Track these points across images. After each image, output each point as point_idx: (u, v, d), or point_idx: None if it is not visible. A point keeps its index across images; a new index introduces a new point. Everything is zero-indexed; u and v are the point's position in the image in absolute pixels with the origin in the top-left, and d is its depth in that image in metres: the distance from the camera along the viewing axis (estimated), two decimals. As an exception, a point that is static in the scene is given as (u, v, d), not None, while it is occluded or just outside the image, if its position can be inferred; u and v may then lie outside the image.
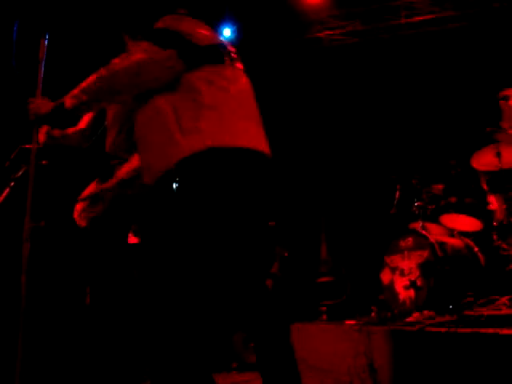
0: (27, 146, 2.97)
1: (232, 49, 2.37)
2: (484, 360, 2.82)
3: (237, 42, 6.52)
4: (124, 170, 2.73)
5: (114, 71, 2.17)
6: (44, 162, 3.07)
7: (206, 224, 2.02)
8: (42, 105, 2.44)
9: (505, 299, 3.57)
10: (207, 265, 2.05)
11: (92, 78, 2.23)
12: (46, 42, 2.90)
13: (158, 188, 2.15)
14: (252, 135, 2.19)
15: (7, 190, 3.23)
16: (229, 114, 2.13)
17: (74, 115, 2.44)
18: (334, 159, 6.49)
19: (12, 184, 3.23)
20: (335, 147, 6.52)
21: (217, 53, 2.24)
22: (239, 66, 2.37)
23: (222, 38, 2.39)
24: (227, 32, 6.55)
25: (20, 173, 3.22)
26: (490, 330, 2.91)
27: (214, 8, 6.06)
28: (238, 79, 2.28)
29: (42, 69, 2.88)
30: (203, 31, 2.27)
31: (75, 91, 2.29)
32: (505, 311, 3.41)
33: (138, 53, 2.16)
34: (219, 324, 2.23)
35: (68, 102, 2.29)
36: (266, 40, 6.51)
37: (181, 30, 2.18)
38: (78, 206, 3.04)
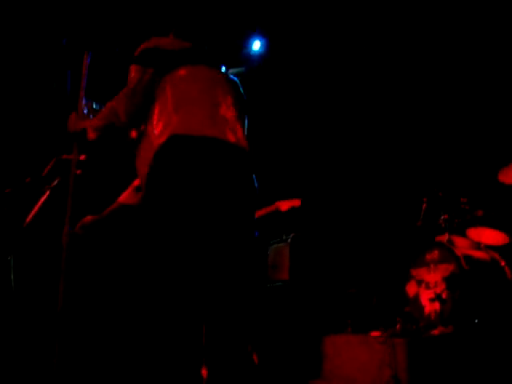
0: (65, 157, 3.10)
1: (205, 50, 2.62)
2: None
3: (266, 53, 6.64)
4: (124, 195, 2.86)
5: (119, 99, 2.45)
6: (78, 172, 3.20)
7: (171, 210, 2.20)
8: (77, 122, 2.63)
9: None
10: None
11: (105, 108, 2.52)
12: (89, 59, 3.05)
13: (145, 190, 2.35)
14: (216, 125, 2.34)
15: (43, 199, 3.37)
16: (193, 109, 2.34)
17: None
18: (363, 171, 6.52)
19: (47, 193, 3.37)
20: (363, 159, 6.54)
21: (187, 55, 2.49)
22: (212, 64, 2.57)
23: (193, 44, 2.61)
24: (257, 45, 6.65)
25: (55, 183, 3.35)
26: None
27: (244, 21, 6.19)
28: (207, 76, 2.49)
29: (84, 84, 3.03)
30: (176, 41, 2.55)
31: (93, 122, 2.56)
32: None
33: (128, 79, 2.46)
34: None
35: (90, 134, 2.55)
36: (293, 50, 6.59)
37: (158, 44, 2.48)
38: None
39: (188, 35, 2.61)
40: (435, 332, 3.88)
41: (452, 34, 5.79)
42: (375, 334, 4.06)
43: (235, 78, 2.69)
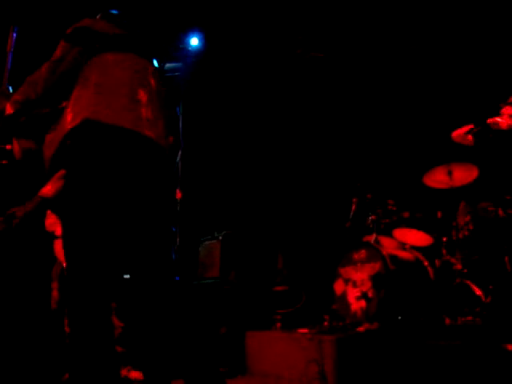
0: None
1: (139, 40, 2.53)
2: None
3: (204, 49, 6.61)
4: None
5: (39, 72, 2.31)
6: (4, 162, 3.07)
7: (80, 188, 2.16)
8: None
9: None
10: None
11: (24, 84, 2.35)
12: (15, 35, 2.93)
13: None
14: (135, 117, 2.26)
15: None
16: (114, 97, 2.26)
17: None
18: (293, 173, 6.60)
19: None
20: (295, 161, 6.63)
21: (119, 41, 2.41)
22: (143, 55, 2.49)
23: (127, 31, 2.52)
24: (194, 41, 6.61)
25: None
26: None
27: (181, 17, 6.14)
28: (135, 66, 2.41)
29: (10, 61, 2.90)
30: (110, 26, 2.45)
31: (13, 97, 2.36)
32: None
33: (54, 54, 2.34)
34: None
35: (7, 109, 2.36)
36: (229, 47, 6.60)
37: (91, 25, 2.39)
38: None
39: (121, 22, 2.52)
40: (361, 329, 3.99)
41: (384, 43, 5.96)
42: (303, 331, 4.13)
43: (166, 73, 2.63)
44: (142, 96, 2.33)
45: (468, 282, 4.20)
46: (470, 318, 3.77)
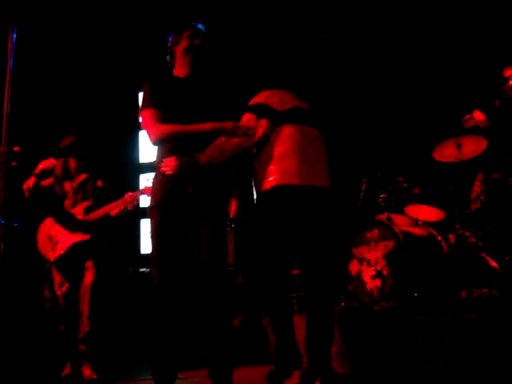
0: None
1: (305, 109, 3.30)
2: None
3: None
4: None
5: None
6: (13, 164, 3.10)
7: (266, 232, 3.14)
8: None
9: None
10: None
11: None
12: (15, 36, 2.94)
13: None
14: (304, 174, 3.05)
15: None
16: (290, 161, 3.06)
17: None
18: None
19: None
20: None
21: (291, 115, 3.19)
22: (310, 122, 3.24)
23: (299, 103, 3.31)
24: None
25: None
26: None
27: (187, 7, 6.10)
28: (303, 133, 3.17)
29: (11, 61, 2.92)
30: (285, 100, 3.24)
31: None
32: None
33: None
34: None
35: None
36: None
37: (268, 102, 3.18)
38: None
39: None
40: (377, 308, 3.99)
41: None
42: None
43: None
44: (312, 158, 3.12)
45: (483, 254, 4.18)
46: (485, 290, 3.75)
